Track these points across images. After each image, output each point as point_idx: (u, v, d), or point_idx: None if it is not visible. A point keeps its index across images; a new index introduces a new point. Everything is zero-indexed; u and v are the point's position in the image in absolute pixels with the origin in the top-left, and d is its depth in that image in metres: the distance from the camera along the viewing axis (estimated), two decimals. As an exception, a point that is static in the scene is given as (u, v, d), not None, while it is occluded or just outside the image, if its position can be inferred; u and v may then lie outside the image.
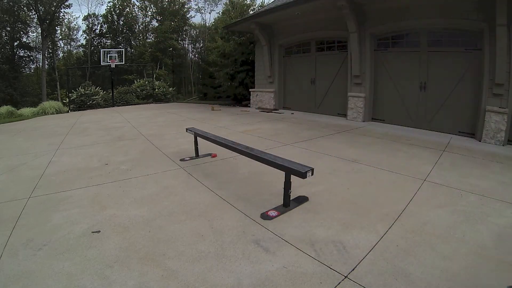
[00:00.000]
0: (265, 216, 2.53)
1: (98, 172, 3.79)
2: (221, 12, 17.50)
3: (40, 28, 25.43)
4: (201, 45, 32.69)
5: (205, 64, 18.41)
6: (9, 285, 1.74)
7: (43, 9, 24.51)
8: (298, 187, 2.96)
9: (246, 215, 2.53)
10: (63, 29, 31.45)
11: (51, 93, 27.29)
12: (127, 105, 13.51)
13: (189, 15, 31.23)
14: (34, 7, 24.34)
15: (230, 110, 10.49)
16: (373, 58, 7.20)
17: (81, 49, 31.73)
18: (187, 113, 9.66)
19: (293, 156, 4.31)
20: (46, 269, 1.91)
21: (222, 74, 12.04)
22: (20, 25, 25.49)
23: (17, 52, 26.64)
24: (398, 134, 5.89)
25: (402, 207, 2.69)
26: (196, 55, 33.24)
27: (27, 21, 25.64)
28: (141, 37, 29.92)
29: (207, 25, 31.78)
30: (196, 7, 43.39)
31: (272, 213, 2.59)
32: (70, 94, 12.89)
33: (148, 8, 30.07)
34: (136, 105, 13.24)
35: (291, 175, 2.58)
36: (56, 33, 28.90)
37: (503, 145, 5.07)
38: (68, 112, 11.43)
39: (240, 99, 12.29)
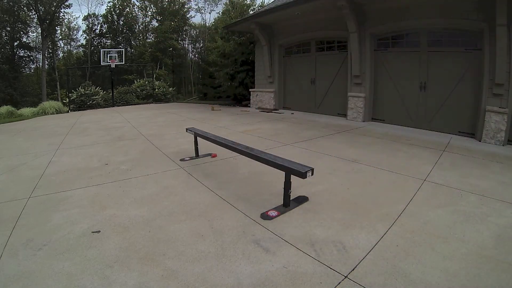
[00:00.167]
0: (265, 216, 2.53)
1: (98, 172, 3.79)
2: (221, 12, 17.53)
3: (40, 28, 25.43)
4: (201, 45, 32.71)
5: (205, 64, 18.41)
6: (9, 285, 1.74)
7: (43, 9, 24.52)
8: (298, 187, 2.96)
9: (246, 215, 2.53)
10: (63, 29, 31.47)
11: (51, 93, 27.30)
12: (127, 105, 13.51)
13: (189, 15, 31.31)
14: (34, 7, 24.35)
15: (230, 110, 10.49)
16: (373, 58, 7.20)
17: (81, 49, 31.77)
18: (187, 113, 9.66)
19: (293, 156, 4.31)
20: (46, 269, 1.91)
21: (222, 74, 12.04)
22: (20, 25, 25.50)
23: (17, 52, 26.65)
24: (398, 134, 5.89)
25: (402, 207, 2.69)
26: (196, 55, 33.28)
27: (27, 21, 25.66)
28: (141, 37, 29.93)
29: (207, 25, 31.81)
30: (196, 7, 43.54)
31: (272, 213, 2.59)
32: (70, 94, 12.90)
33: (148, 8, 30.09)
34: (136, 105, 13.24)
35: (291, 175, 2.58)
36: (56, 33, 28.92)
37: (503, 145, 5.07)
38: (68, 112, 11.43)
39: (240, 99, 12.29)
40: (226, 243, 2.11)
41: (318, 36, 8.66)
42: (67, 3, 25.56)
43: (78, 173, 3.77)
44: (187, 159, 4.30)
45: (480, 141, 5.33)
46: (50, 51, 28.86)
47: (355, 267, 1.86)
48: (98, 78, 26.35)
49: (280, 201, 2.74)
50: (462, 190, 3.04)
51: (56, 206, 2.81)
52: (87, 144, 5.34)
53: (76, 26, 33.45)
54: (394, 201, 2.81)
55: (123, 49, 15.31)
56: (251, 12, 14.12)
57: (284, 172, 2.62)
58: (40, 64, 27.30)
